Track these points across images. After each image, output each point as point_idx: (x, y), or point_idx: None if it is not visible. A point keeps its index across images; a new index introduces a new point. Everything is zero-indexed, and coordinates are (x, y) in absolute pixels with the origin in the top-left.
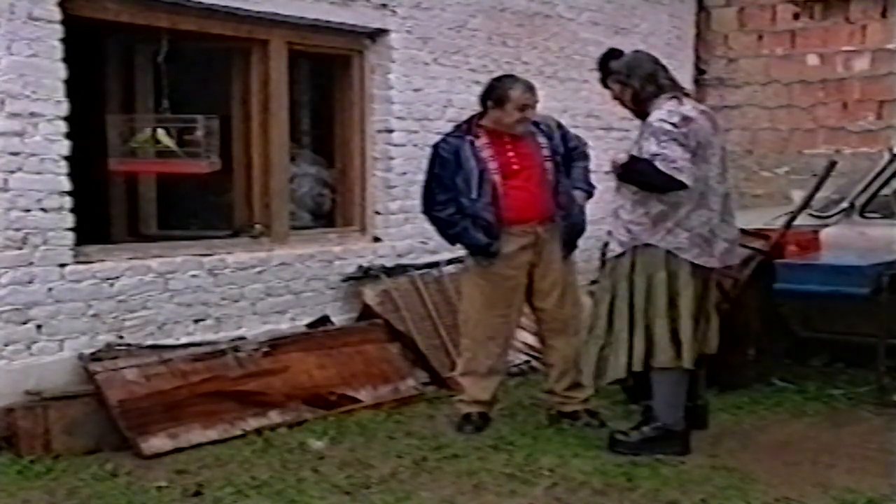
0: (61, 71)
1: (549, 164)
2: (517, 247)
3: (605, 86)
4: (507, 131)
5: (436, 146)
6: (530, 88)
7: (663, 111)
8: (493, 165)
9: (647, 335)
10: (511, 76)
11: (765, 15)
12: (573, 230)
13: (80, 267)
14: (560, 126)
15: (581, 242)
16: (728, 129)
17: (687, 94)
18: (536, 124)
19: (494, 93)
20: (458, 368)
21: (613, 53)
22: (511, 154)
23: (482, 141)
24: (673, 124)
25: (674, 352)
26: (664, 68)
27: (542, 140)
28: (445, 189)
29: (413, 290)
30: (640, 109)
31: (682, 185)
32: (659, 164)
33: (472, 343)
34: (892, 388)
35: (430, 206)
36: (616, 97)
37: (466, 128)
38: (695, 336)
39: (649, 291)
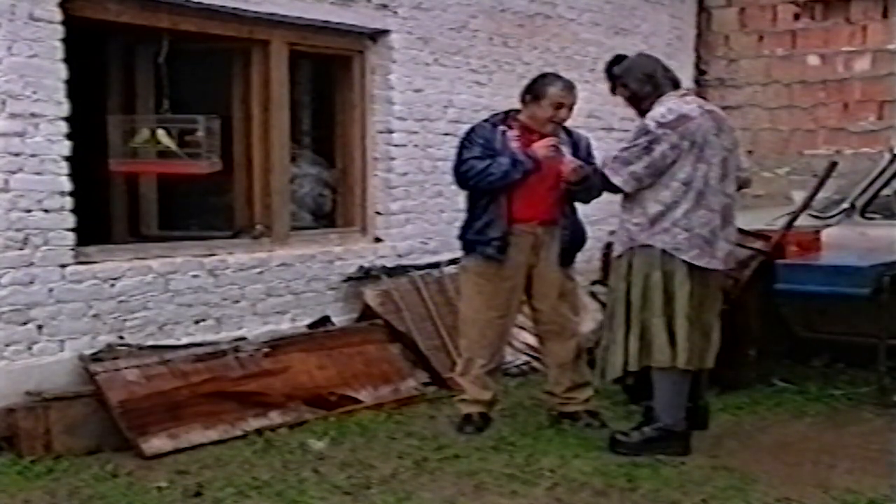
0: (62, 71)
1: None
2: (516, 247)
3: (614, 93)
4: (538, 128)
5: (467, 132)
6: (569, 88)
7: (662, 108)
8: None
9: (642, 335)
10: (556, 75)
11: (765, 15)
12: (574, 241)
13: (81, 267)
14: (590, 149)
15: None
16: None
17: (691, 92)
18: (569, 133)
19: (534, 87)
20: (457, 369)
21: (617, 59)
22: None
23: (513, 133)
24: (661, 124)
25: (671, 352)
26: (665, 68)
27: (566, 149)
28: (478, 152)
29: (414, 291)
30: (641, 109)
31: (617, 189)
32: (609, 166)
33: (469, 343)
34: (892, 389)
35: (461, 169)
36: (624, 100)
37: (502, 118)
38: (691, 338)
39: (645, 291)
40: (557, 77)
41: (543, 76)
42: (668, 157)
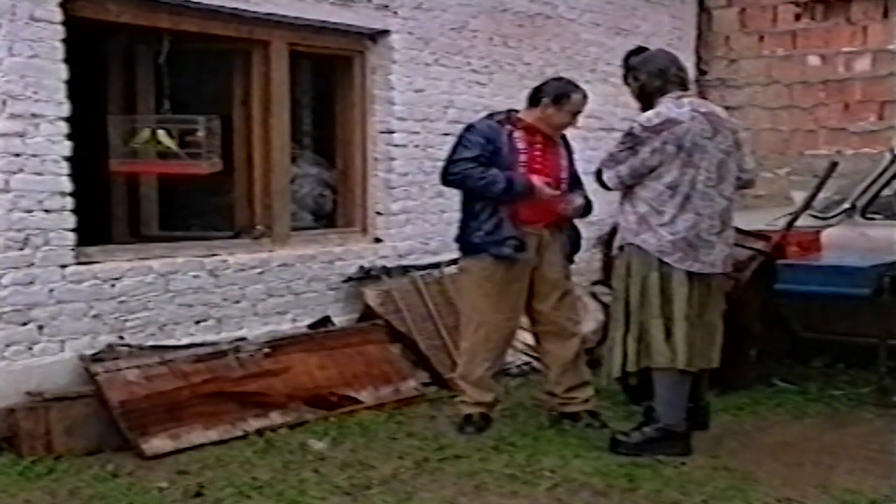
0: (63, 72)
1: (564, 174)
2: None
3: (626, 82)
4: (546, 131)
5: (467, 129)
6: (586, 96)
7: (652, 112)
8: (523, 158)
9: (641, 336)
10: (572, 81)
11: (766, 16)
12: (575, 242)
13: (82, 268)
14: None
15: (583, 243)
16: None
17: (691, 94)
18: (563, 137)
19: (555, 90)
20: (457, 371)
21: (637, 50)
22: (538, 154)
23: (518, 134)
24: (645, 127)
25: (670, 352)
26: (679, 68)
27: (564, 151)
28: (474, 155)
29: (414, 291)
30: (645, 104)
31: (603, 183)
32: (603, 162)
33: (471, 346)
34: (893, 389)
35: (452, 170)
36: (632, 94)
37: (505, 118)
38: (690, 340)
39: (643, 292)
40: (575, 84)
41: (560, 79)
42: (649, 161)
